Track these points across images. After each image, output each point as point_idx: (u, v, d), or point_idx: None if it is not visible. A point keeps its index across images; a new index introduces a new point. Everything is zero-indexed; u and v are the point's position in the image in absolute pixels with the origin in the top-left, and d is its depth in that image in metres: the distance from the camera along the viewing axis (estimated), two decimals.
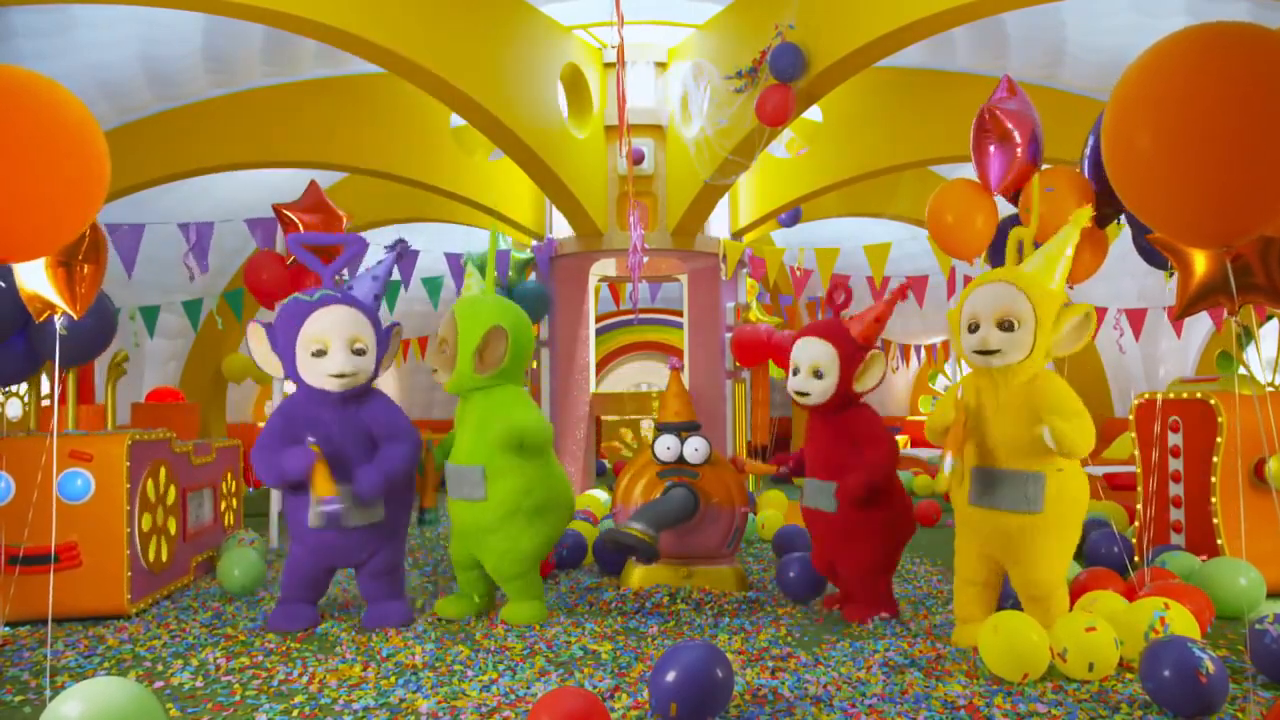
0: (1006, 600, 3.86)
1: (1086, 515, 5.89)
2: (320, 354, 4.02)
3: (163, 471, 4.79)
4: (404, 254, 4.63)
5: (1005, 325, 3.49)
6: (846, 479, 4.01)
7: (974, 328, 3.58)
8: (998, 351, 3.51)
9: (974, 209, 4.56)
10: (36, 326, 4.47)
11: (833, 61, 6.16)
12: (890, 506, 4.17)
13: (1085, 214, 3.59)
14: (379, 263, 4.45)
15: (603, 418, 12.29)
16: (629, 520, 4.22)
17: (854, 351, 4.14)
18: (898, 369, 14.40)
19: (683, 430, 4.69)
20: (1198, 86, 2.22)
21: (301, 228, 5.69)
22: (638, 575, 4.65)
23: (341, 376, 4.05)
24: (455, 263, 8.64)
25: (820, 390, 4.13)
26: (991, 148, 4.44)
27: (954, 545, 3.87)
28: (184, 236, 7.31)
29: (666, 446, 4.63)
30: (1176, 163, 2.26)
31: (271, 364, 4.15)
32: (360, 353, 4.10)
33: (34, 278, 3.34)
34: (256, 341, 4.13)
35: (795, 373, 4.21)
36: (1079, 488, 3.57)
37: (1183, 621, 3.35)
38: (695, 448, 4.62)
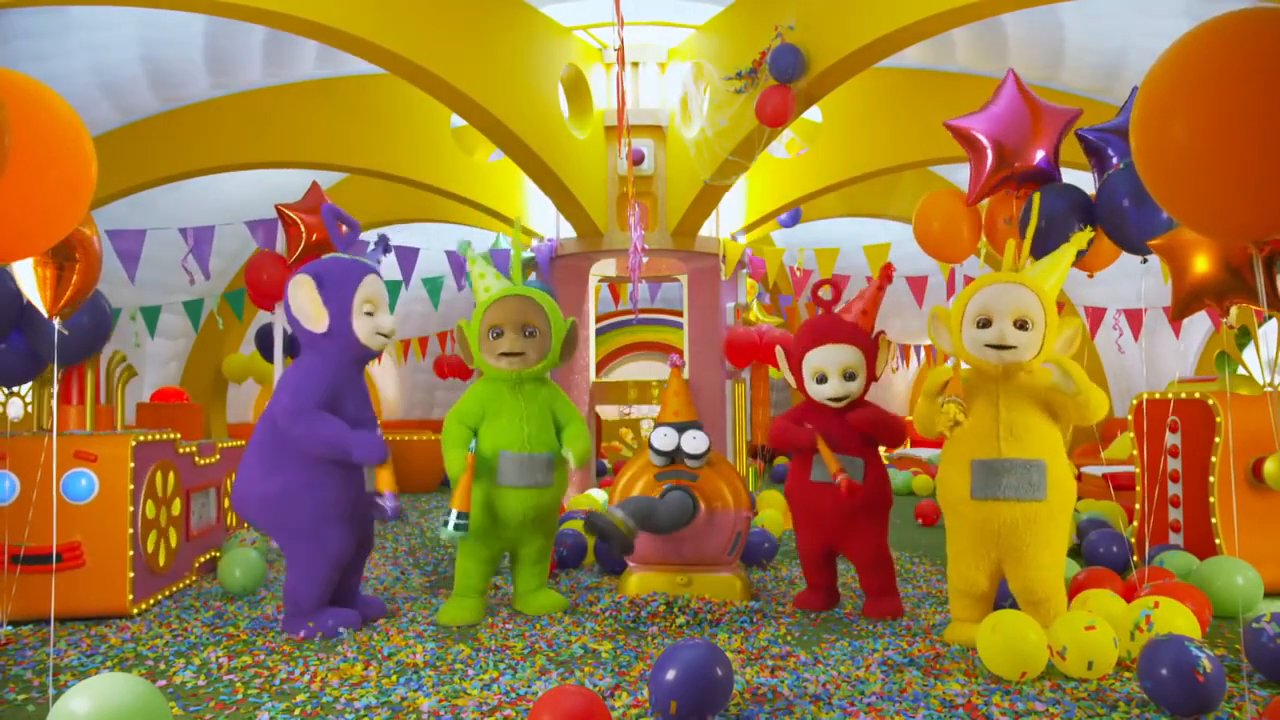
0: (1004, 601, 3.88)
1: (1086, 515, 5.98)
2: (370, 315, 4.22)
3: (167, 472, 4.81)
4: (388, 249, 4.98)
5: (1021, 324, 3.56)
6: (885, 418, 4.31)
7: (984, 323, 3.61)
8: (1014, 348, 3.56)
9: (959, 217, 4.70)
10: (32, 326, 4.48)
11: (833, 62, 6.17)
12: (888, 492, 4.39)
13: (1086, 235, 3.72)
14: (370, 251, 4.83)
15: (603, 418, 12.31)
16: (614, 506, 4.09)
17: (871, 346, 4.37)
18: (897, 369, 14.41)
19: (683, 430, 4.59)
20: (1234, 74, 2.14)
21: (304, 228, 5.72)
22: (634, 582, 4.47)
23: (389, 336, 4.29)
24: (455, 261, 8.66)
25: (857, 388, 4.34)
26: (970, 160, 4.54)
27: (947, 552, 3.87)
28: (184, 241, 7.33)
29: (664, 434, 4.41)
30: (1210, 155, 2.18)
31: (314, 315, 4.09)
32: None
33: (24, 277, 3.37)
34: (306, 291, 4.07)
35: (822, 380, 4.32)
36: (1070, 480, 3.65)
37: (1181, 620, 3.36)
38: (694, 436, 4.41)
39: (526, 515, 4.30)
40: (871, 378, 4.36)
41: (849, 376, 4.30)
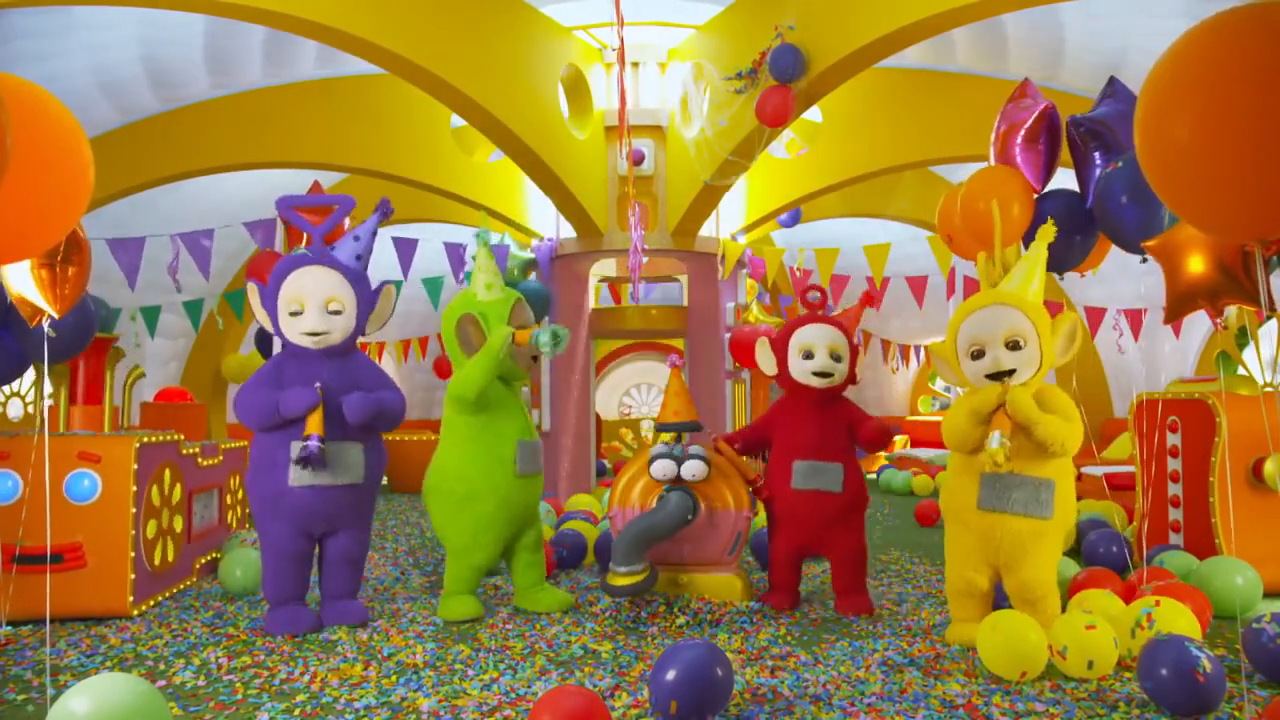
0: (1004, 602, 3.87)
1: (1086, 515, 5.98)
2: (297, 314, 4.17)
3: (170, 473, 4.80)
4: (388, 213, 4.71)
5: (1013, 345, 3.52)
6: (873, 422, 4.40)
7: (978, 354, 3.57)
8: (1013, 371, 3.52)
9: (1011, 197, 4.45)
10: (20, 325, 4.46)
11: (833, 62, 6.18)
12: (865, 494, 4.49)
13: (1050, 231, 3.65)
14: (362, 223, 4.56)
15: (603, 418, 12.31)
16: (613, 561, 4.09)
17: (855, 344, 4.52)
18: (897, 369, 14.41)
19: (682, 431, 4.56)
20: (1234, 71, 2.13)
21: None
22: None
23: (314, 335, 4.19)
24: (454, 256, 8.66)
25: (841, 373, 4.44)
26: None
27: (946, 555, 3.87)
28: (174, 248, 7.29)
29: (663, 471, 4.36)
30: (1211, 152, 2.17)
31: (265, 320, 4.29)
32: (336, 313, 4.21)
33: (19, 279, 3.37)
34: (253, 298, 4.29)
35: (809, 356, 4.43)
36: (1073, 496, 3.69)
37: (1182, 619, 3.36)
38: (693, 472, 4.35)
39: (533, 503, 4.52)
40: (854, 370, 4.46)
41: (835, 357, 4.42)
